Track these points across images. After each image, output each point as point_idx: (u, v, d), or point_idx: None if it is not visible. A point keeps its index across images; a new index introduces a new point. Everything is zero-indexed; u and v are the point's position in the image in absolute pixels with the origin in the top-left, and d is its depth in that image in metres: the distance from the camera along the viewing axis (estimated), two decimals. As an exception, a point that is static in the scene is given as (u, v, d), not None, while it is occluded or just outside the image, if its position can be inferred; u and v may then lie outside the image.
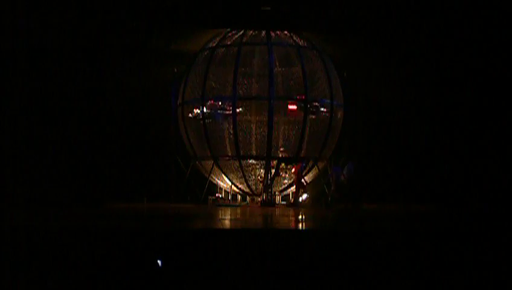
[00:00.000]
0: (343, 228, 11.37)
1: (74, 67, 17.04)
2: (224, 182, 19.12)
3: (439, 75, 18.48)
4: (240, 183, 18.76)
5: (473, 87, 17.84)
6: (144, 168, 18.71)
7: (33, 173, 15.77)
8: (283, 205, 19.13)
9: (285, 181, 19.00)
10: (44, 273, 8.87)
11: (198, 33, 18.85)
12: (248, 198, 19.28)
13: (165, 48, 18.83)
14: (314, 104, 18.24)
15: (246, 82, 18.68)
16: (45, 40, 16.29)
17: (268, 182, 18.06)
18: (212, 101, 18.11)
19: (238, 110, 18.08)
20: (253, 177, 18.73)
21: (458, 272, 9.02)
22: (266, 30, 18.69)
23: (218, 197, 19.19)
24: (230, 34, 18.92)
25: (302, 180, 18.34)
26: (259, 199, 18.56)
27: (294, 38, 18.89)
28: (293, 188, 19.28)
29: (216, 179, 19.15)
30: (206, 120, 18.05)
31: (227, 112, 17.99)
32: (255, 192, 18.83)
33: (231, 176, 18.67)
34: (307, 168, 18.67)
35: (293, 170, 18.51)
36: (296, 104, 18.22)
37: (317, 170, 19.10)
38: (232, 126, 18.04)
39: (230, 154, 18.48)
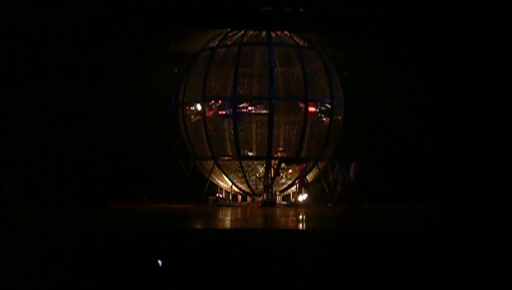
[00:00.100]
0: (343, 228, 11.36)
1: (74, 67, 17.04)
2: (225, 182, 19.11)
3: (439, 75, 18.48)
4: (241, 183, 18.75)
5: (473, 87, 17.83)
6: (145, 168, 18.71)
7: (33, 173, 15.77)
8: (283, 205, 19.12)
9: (283, 181, 18.98)
10: (44, 273, 8.86)
11: (198, 33, 18.85)
12: (248, 198, 19.27)
13: (166, 48, 18.83)
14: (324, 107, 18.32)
15: (246, 82, 18.68)
16: (45, 40, 16.29)
17: (269, 182, 18.05)
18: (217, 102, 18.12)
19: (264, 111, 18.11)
20: (254, 177, 18.71)
21: (458, 272, 9.01)
22: (267, 30, 18.68)
23: (219, 197, 19.19)
24: (230, 34, 18.92)
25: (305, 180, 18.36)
26: (259, 199, 18.55)
27: (295, 38, 18.89)
28: (293, 188, 19.29)
29: (216, 179, 19.15)
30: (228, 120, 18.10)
31: (249, 111, 18.00)
32: (256, 192, 18.81)
33: (231, 176, 18.66)
34: (307, 168, 18.65)
35: (290, 171, 18.52)
36: (314, 106, 18.27)
37: (317, 170, 19.09)
38: (232, 126, 18.04)
39: (230, 154, 18.47)
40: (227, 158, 18.48)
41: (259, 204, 18.25)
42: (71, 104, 17.03)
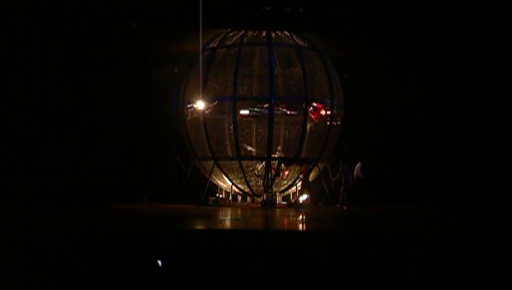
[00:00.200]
0: (343, 229, 11.36)
1: (74, 67, 17.06)
2: (225, 183, 19.11)
3: (439, 76, 18.48)
4: (241, 183, 18.74)
5: (474, 88, 17.84)
6: (145, 169, 18.71)
7: (33, 173, 15.78)
8: (284, 205, 19.11)
9: (285, 181, 18.98)
10: (44, 273, 8.87)
11: (198, 33, 18.85)
12: (248, 198, 19.26)
13: (166, 48, 18.83)
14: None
15: (246, 82, 18.67)
16: (46, 40, 16.30)
17: (269, 182, 18.05)
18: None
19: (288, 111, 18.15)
20: (253, 178, 18.70)
21: (458, 272, 9.02)
22: (267, 30, 18.67)
23: (219, 197, 19.18)
24: (230, 35, 18.91)
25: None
26: (259, 200, 18.55)
27: (295, 38, 18.88)
28: (293, 189, 19.29)
29: (216, 180, 19.14)
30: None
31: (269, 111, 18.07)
32: (256, 192, 18.81)
33: (232, 176, 18.66)
34: (310, 168, 18.60)
35: (287, 172, 18.53)
36: (324, 109, 18.31)
37: (317, 170, 19.08)
38: (232, 126, 18.04)
39: (230, 154, 18.46)
40: (227, 159, 18.45)
41: (259, 204, 18.24)
42: (71, 104, 17.03)
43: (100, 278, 8.91)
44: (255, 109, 18.17)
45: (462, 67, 17.88)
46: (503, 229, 10.69)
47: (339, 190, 18.08)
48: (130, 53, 18.18)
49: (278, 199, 19.30)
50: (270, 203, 17.85)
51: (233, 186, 18.85)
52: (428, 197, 17.80)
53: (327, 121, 18.41)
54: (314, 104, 18.23)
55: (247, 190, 18.86)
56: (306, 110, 18.03)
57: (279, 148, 18.76)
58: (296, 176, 18.73)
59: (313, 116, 18.27)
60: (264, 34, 18.72)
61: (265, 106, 18.10)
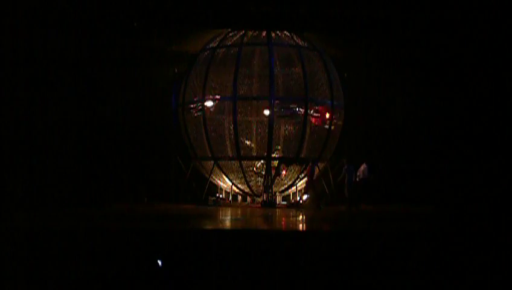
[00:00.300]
0: (343, 229, 11.36)
1: (74, 67, 17.04)
2: (225, 183, 19.11)
3: (439, 76, 18.47)
4: (241, 183, 18.74)
5: (473, 89, 17.83)
6: (145, 169, 18.71)
7: (33, 173, 15.77)
8: (283, 205, 19.11)
9: (285, 181, 18.97)
10: (44, 273, 8.86)
11: (198, 33, 18.85)
12: (248, 198, 19.25)
13: (166, 48, 18.83)
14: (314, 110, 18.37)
15: (246, 82, 18.67)
16: (46, 41, 16.29)
17: (269, 182, 18.05)
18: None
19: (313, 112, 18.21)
20: (253, 178, 18.70)
21: (457, 272, 9.02)
22: (267, 30, 18.67)
23: (219, 197, 19.19)
24: (230, 35, 18.91)
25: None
26: (259, 200, 18.55)
27: (295, 38, 18.88)
28: (293, 189, 19.29)
29: (216, 180, 19.14)
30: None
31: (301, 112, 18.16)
32: (256, 192, 18.81)
33: (231, 176, 18.66)
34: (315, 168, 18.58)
35: (284, 172, 18.52)
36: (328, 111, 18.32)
37: (317, 171, 19.08)
38: (232, 126, 18.04)
39: (230, 154, 18.46)
40: (227, 159, 18.46)
41: (259, 204, 18.25)
42: (71, 104, 17.02)
43: (100, 278, 8.90)
44: (282, 110, 18.16)
45: (462, 67, 17.87)
46: (503, 229, 10.69)
47: (342, 190, 17.97)
48: (130, 53, 18.16)
49: (278, 199, 19.30)
50: (270, 203, 17.85)
51: (233, 186, 18.86)
52: (428, 197, 17.80)
53: (327, 121, 18.41)
54: (316, 108, 18.23)
55: (247, 190, 18.86)
56: (306, 110, 18.03)
57: (278, 147, 18.76)
58: (296, 176, 18.73)
59: (313, 120, 18.26)
60: (264, 34, 18.72)
61: (291, 106, 18.11)
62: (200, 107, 18.23)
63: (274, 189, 18.44)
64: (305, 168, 18.55)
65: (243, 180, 18.52)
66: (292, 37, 18.86)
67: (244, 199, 19.47)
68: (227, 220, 13.16)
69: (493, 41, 17.39)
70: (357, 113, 19.30)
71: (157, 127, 19.14)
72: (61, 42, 16.64)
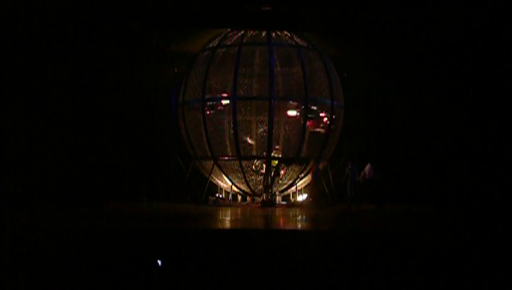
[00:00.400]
0: (343, 228, 11.37)
1: (74, 67, 17.05)
2: (225, 182, 19.11)
3: (439, 76, 18.47)
4: (240, 183, 18.74)
5: (474, 88, 17.83)
6: (144, 168, 18.71)
7: (33, 172, 15.78)
8: (283, 205, 19.11)
9: (285, 181, 18.97)
10: (44, 273, 8.86)
11: (198, 33, 18.85)
12: (248, 198, 19.26)
13: (166, 48, 18.83)
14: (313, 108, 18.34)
15: (246, 82, 18.67)
16: (46, 41, 16.29)
17: (269, 182, 18.05)
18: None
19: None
20: (253, 177, 18.70)
21: (457, 272, 9.02)
22: (267, 30, 18.67)
23: (219, 197, 19.19)
24: (230, 34, 18.92)
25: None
26: (259, 199, 18.56)
27: (295, 38, 18.88)
28: (293, 189, 19.30)
29: (216, 179, 19.15)
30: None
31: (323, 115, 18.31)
32: (256, 192, 18.81)
33: (231, 176, 18.66)
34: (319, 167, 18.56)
35: (282, 172, 18.52)
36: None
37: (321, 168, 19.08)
38: (232, 126, 18.04)
39: (230, 154, 18.47)
40: (227, 158, 18.48)
41: (259, 204, 18.25)
42: (71, 104, 17.03)
43: (100, 278, 8.90)
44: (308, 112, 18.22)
45: (462, 67, 17.87)
46: (503, 229, 10.70)
47: (344, 190, 17.95)
48: (130, 53, 18.17)
49: (278, 198, 19.30)
50: (270, 203, 17.86)
51: (233, 186, 18.86)
52: (428, 197, 17.80)
53: (321, 125, 18.43)
54: (314, 108, 18.25)
55: (247, 189, 18.87)
56: (306, 110, 18.04)
57: (277, 146, 18.74)
58: (296, 175, 18.73)
59: (308, 123, 18.28)
60: (264, 33, 18.72)
61: (313, 107, 18.16)
62: (222, 103, 18.17)
63: (274, 189, 18.44)
64: (304, 168, 18.57)
65: (242, 180, 18.52)
66: (292, 37, 18.86)
67: (244, 199, 19.47)
68: (227, 219, 13.17)
69: (494, 41, 17.39)
70: (357, 113, 19.31)
71: (157, 127, 19.15)
72: (61, 42, 16.65)
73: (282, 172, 18.55)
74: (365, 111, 19.41)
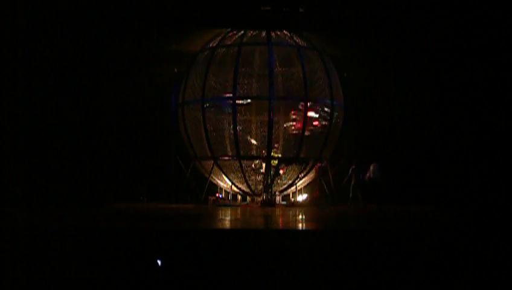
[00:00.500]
0: (343, 228, 11.37)
1: (74, 67, 17.05)
2: (225, 182, 19.11)
3: (439, 76, 18.48)
4: (240, 183, 18.75)
5: (473, 88, 17.83)
6: (144, 168, 18.71)
7: (33, 173, 15.77)
8: (283, 205, 19.12)
9: (284, 181, 18.97)
10: (44, 273, 8.86)
11: (198, 33, 18.85)
12: (248, 198, 19.27)
13: (166, 48, 18.84)
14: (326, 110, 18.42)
15: (246, 82, 18.67)
16: (46, 40, 16.29)
17: (269, 182, 18.05)
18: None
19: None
20: (253, 177, 18.70)
21: (457, 272, 9.02)
22: (266, 30, 18.68)
23: (219, 197, 19.19)
24: (230, 34, 18.92)
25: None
26: (259, 199, 18.56)
27: (295, 38, 18.88)
28: (293, 189, 19.30)
29: (216, 179, 19.15)
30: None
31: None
32: (255, 192, 18.81)
33: (231, 176, 18.66)
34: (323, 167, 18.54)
35: (281, 172, 18.53)
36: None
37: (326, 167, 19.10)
38: (232, 126, 18.04)
39: (230, 154, 18.47)
40: (227, 158, 18.48)
41: (259, 204, 18.25)
42: (71, 104, 17.03)
43: (100, 278, 8.90)
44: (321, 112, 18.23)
45: (462, 67, 17.88)
46: (504, 229, 10.69)
47: (348, 191, 17.95)
48: (130, 53, 18.17)
49: (278, 198, 19.30)
50: (270, 203, 17.86)
51: (233, 186, 18.86)
52: (428, 197, 17.80)
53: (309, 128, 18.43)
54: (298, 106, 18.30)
55: (247, 189, 18.87)
56: (305, 109, 18.04)
57: (276, 145, 18.73)
58: (296, 175, 18.74)
59: (294, 124, 18.29)
60: (263, 33, 18.72)
61: (326, 109, 18.19)
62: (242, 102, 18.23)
63: (274, 189, 18.44)
64: (304, 168, 18.56)
65: (242, 179, 18.53)
66: (292, 37, 18.86)
67: (243, 199, 19.48)
68: (227, 219, 13.16)
69: (493, 40, 17.39)
70: (357, 113, 19.31)
71: (157, 127, 19.15)
72: (61, 42, 16.64)
73: (281, 172, 18.56)
74: (365, 111, 19.41)
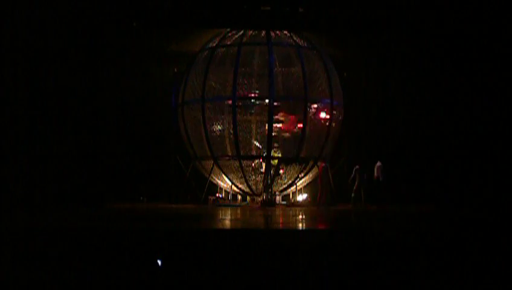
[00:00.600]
0: (343, 228, 11.36)
1: (74, 67, 17.05)
2: (225, 182, 19.11)
3: (438, 75, 18.48)
4: (240, 183, 18.75)
5: (473, 88, 17.83)
6: (144, 168, 18.72)
7: (33, 173, 15.78)
8: (283, 205, 19.12)
9: (284, 181, 18.97)
10: (44, 273, 8.86)
11: (198, 33, 18.86)
12: (248, 198, 19.27)
13: (166, 48, 18.84)
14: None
15: (246, 82, 18.68)
16: (46, 41, 16.29)
17: (269, 181, 18.05)
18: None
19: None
20: (253, 177, 18.69)
21: (458, 272, 9.02)
22: (266, 30, 18.68)
23: (219, 197, 19.19)
24: (230, 34, 18.91)
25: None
26: (259, 199, 18.56)
27: (294, 38, 18.88)
28: (293, 188, 19.30)
29: (216, 179, 19.15)
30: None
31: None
32: (255, 192, 18.81)
33: (231, 176, 18.66)
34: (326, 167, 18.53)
35: (281, 171, 18.54)
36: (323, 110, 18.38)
37: (317, 170, 19.08)
38: (232, 126, 18.03)
39: (230, 154, 18.47)
40: (227, 158, 18.48)
41: (259, 204, 18.25)
42: (71, 104, 17.03)
43: (100, 278, 8.90)
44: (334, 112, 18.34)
45: (462, 67, 17.88)
46: (504, 229, 10.70)
47: (351, 191, 17.95)
48: (130, 53, 18.17)
49: (278, 198, 19.30)
50: (270, 203, 17.86)
51: (233, 186, 18.86)
52: (428, 197, 17.80)
53: (294, 130, 18.41)
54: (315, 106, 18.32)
55: (247, 189, 18.87)
56: (305, 109, 18.04)
57: (275, 145, 18.72)
58: (296, 175, 18.73)
59: (281, 126, 18.33)
60: (263, 33, 18.72)
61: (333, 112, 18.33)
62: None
63: (274, 188, 18.44)
64: (304, 168, 18.56)
65: (242, 179, 18.53)
66: (291, 37, 18.86)
67: (244, 199, 19.48)
68: (227, 219, 13.16)
69: (493, 40, 17.40)
70: (357, 113, 19.31)
71: (157, 127, 19.16)
72: (61, 42, 16.65)
73: (281, 171, 18.56)
74: (365, 111, 19.41)
